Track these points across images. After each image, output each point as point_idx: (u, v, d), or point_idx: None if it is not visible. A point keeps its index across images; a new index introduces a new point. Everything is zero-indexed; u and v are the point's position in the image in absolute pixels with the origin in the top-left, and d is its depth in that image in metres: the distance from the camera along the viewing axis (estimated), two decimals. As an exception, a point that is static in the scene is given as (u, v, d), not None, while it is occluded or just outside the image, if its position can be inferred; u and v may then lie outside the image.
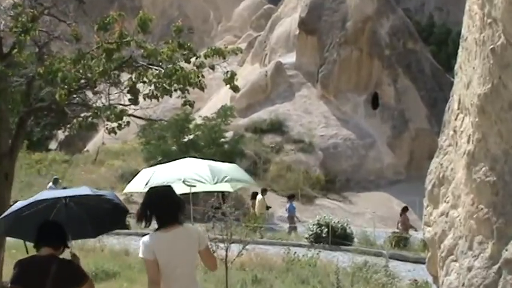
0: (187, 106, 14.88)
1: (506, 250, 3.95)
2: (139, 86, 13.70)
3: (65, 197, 7.40)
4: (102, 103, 13.84)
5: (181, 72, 13.24)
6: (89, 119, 14.25)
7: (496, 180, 4.04)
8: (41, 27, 13.66)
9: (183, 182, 10.68)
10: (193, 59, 13.82)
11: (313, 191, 40.69)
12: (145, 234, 6.29)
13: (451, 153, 4.98)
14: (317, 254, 20.13)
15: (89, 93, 16.17)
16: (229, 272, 14.26)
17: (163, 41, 13.89)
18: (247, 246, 15.60)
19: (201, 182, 10.85)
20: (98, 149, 45.39)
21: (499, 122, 3.94)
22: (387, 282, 16.30)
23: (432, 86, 46.49)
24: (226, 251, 14.15)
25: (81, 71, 13.16)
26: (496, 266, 4.07)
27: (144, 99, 13.72)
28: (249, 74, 50.92)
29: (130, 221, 18.90)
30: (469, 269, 4.34)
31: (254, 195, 29.94)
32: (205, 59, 13.90)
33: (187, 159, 12.26)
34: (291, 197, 30.55)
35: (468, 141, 4.39)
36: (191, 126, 38.57)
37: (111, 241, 22.05)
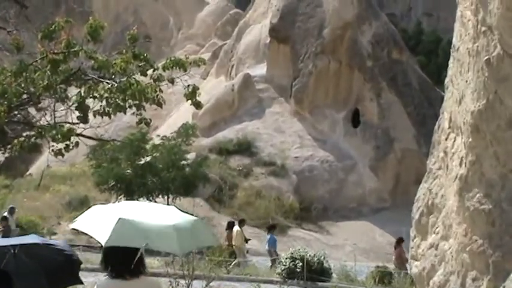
0: (144, 124, 14.82)
1: (504, 287, 3.95)
2: (89, 101, 13.62)
3: (13, 246, 7.31)
4: (47, 121, 13.77)
5: (136, 87, 13.19)
6: (32, 139, 14.14)
7: (491, 208, 4.04)
8: (-24, 35, 13.62)
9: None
10: (150, 71, 13.83)
11: (286, 220, 40.58)
12: None
13: (441, 178, 5.00)
14: (291, 291, 20.13)
15: (32, 110, 16.12)
16: (191, 313, 14.21)
17: (117, 51, 13.88)
18: (211, 283, 15.53)
19: (167, 251, 10.81)
20: (43, 173, 45.09)
21: (495, 142, 3.94)
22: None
23: (420, 101, 46.84)
24: (188, 289, 14.11)
25: (23, 85, 13.09)
26: (493, 305, 4.08)
27: (95, 116, 13.62)
28: (213, 87, 51.04)
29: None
30: (462, 309, 4.35)
31: (230, 225, 29.67)
32: (164, 71, 13.88)
33: (148, 205, 12.17)
34: (271, 228, 30.23)
35: (460, 164, 4.40)
36: (148, 147, 38.36)
37: None
